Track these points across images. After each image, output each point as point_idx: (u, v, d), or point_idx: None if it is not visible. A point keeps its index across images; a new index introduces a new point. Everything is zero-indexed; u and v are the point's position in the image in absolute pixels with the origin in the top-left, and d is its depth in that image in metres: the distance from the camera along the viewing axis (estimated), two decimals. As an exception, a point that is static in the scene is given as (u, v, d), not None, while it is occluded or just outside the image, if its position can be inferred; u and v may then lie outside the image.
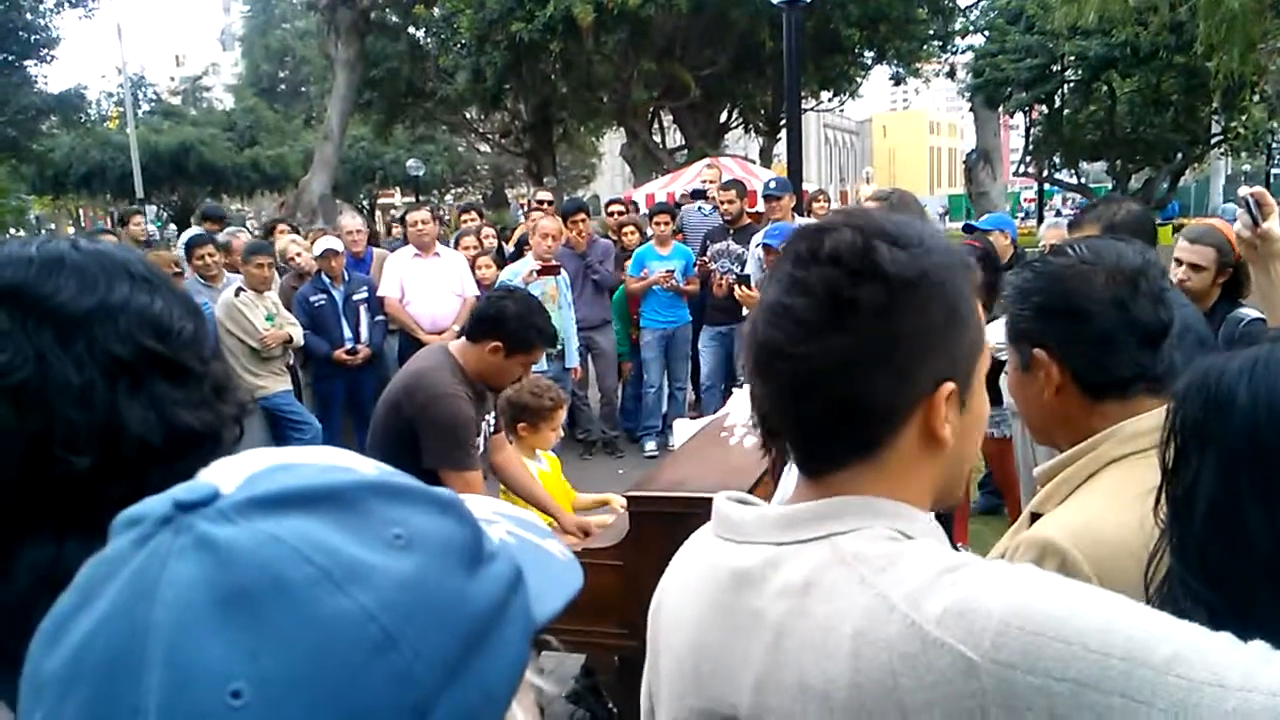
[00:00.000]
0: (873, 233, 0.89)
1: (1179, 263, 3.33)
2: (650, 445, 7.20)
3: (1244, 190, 2.39)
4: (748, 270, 6.53)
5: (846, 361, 0.87)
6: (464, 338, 3.34)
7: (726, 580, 0.93)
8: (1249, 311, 3.19)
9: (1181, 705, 0.70)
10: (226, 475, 0.47)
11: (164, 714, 0.39)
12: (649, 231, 7.56)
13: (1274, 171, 23.50)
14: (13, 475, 0.67)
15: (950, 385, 0.90)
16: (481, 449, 3.34)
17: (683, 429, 3.69)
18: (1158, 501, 1.00)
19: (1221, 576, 0.91)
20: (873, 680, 0.80)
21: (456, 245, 7.45)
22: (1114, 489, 1.30)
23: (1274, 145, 23.05)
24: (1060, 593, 0.78)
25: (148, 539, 0.43)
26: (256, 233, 10.39)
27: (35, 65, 25.42)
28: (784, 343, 0.88)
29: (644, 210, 9.32)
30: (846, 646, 0.82)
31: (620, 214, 8.45)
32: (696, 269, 7.21)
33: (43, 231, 35.55)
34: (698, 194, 8.71)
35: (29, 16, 24.25)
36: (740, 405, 3.35)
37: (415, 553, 0.45)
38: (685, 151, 20.58)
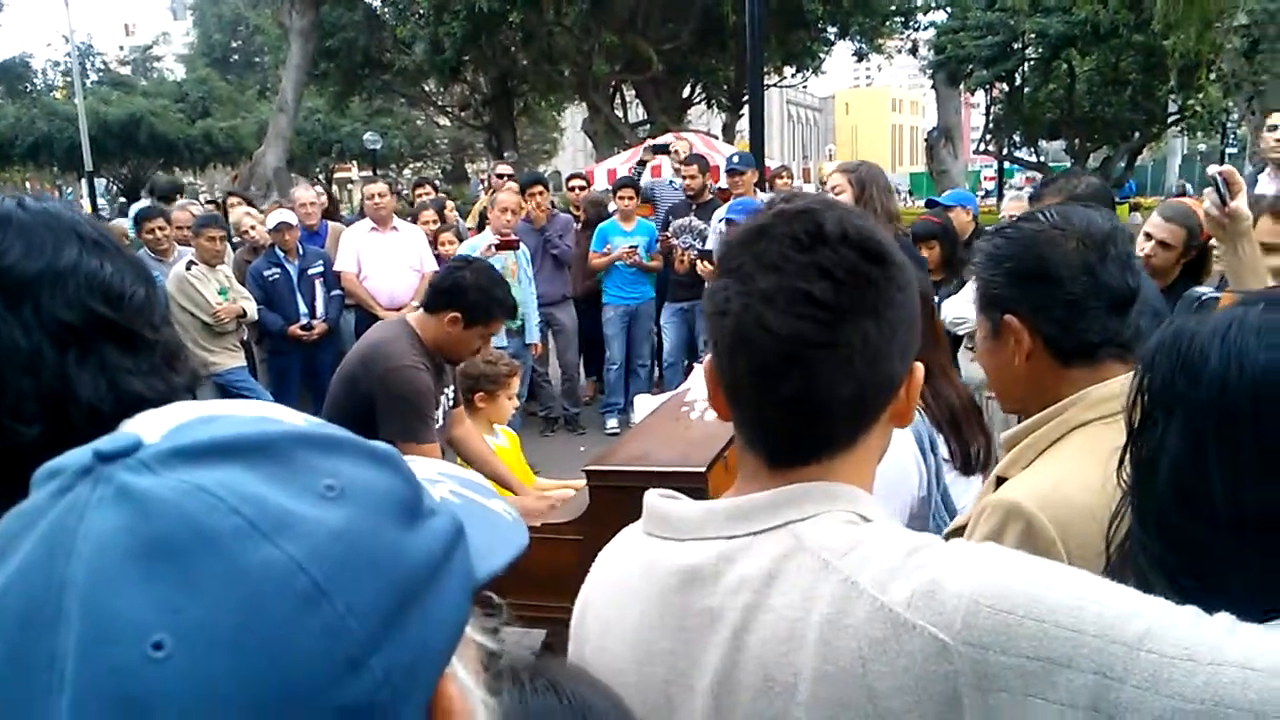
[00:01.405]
0: (853, 215, 0.87)
1: (1148, 237, 3.35)
2: (612, 423, 7.18)
3: (1213, 169, 2.40)
4: (709, 245, 6.51)
5: (872, 346, 0.84)
6: (422, 309, 3.28)
7: (672, 581, 0.89)
8: (1205, 290, 3.22)
9: (1153, 680, 0.69)
10: (150, 426, 0.45)
11: (82, 668, 0.38)
12: (611, 206, 7.49)
13: (1229, 151, 23.86)
14: None
15: (921, 365, 0.91)
16: (440, 423, 3.29)
17: (644, 404, 3.66)
18: (1121, 463, 0.99)
19: (1181, 539, 0.91)
20: (841, 668, 0.78)
21: (416, 220, 7.34)
22: (1079, 453, 1.30)
23: (1229, 125, 23.40)
24: (1028, 571, 0.77)
25: (66, 490, 0.42)
26: (209, 206, 10.19)
27: (-22, 32, 24.72)
28: (813, 332, 0.83)
29: (605, 186, 9.20)
30: (813, 635, 0.79)
31: (581, 189, 8.38)
32: (659, 245, 7.17)
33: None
34: (659, 149, 8.58)
35: (-29, -19, 23.58)
36: (702, 380, 3.32)
37: (347, 504, 0.44)
38: (648, 126, 20.47)
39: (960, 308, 3.60)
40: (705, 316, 0.91)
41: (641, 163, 8.41)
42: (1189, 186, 19.50)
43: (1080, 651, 0.70)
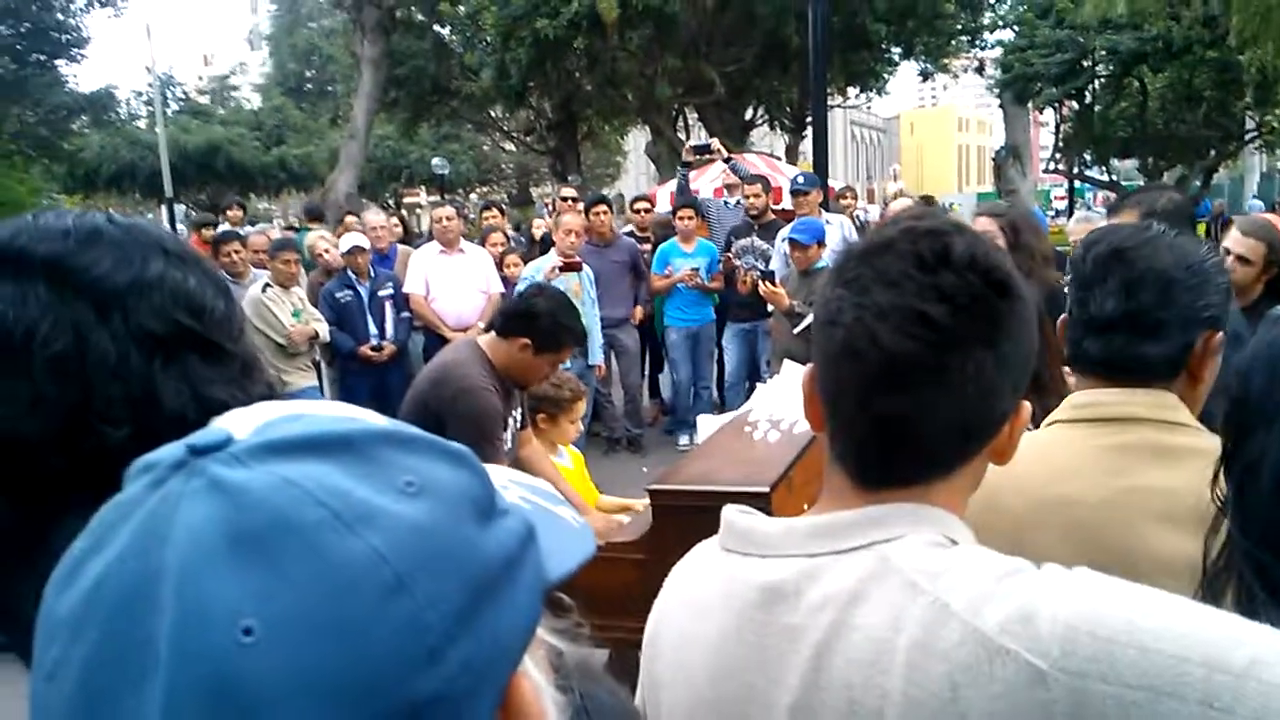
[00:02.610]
0: (983, 243, 0.86)
1: (1227, 253, 3.28)
2: (684, 440, 7.17)
3: None
4: (773, 266, 6.50)
5: (985, 376, 0.83)
6: (493, 333, 3.33)
7: (752, 597, 0.88)
8: None
9: (1263, 711, 0.66)
10: (240, 423, 0.47)
11: (175, 652, 0.39)
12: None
13: (1309, 167, 23.15)
14: (52, 446, 0.67)
15: (1027, 405, 0.89)
16: (509, 445, 3.33)
17: (707, 424, 3.66)
18: (1215, 479, 0.99)
19: None
20: (931, 693, 0.75)
21: (484, 242, 7.46)
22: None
23: (1310, 141, 22.70)
24: (1127, 597, 0.75)
25: (161, 483, 0.44)
26: (287, 231, 10.55)
27: (66, 65, 25.77)
28: (924, 354, 0.81)
29: (669, 208, 9.21)
30: (901, 658, 0.77)
31: (647, 211, 8.42)
32: (721, 265, 7.17)
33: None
34: (701, 149, 8.51)
35: (60, 16, 24.56)
36: (765, 400, 3.32)
37: (426, 499, 0.45)
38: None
39: None
40: (814, 323, 0.90)
41: (686, 164, 8.33)
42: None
43: (1184, 680, 0.68)
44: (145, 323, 0.72)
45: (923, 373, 0.82)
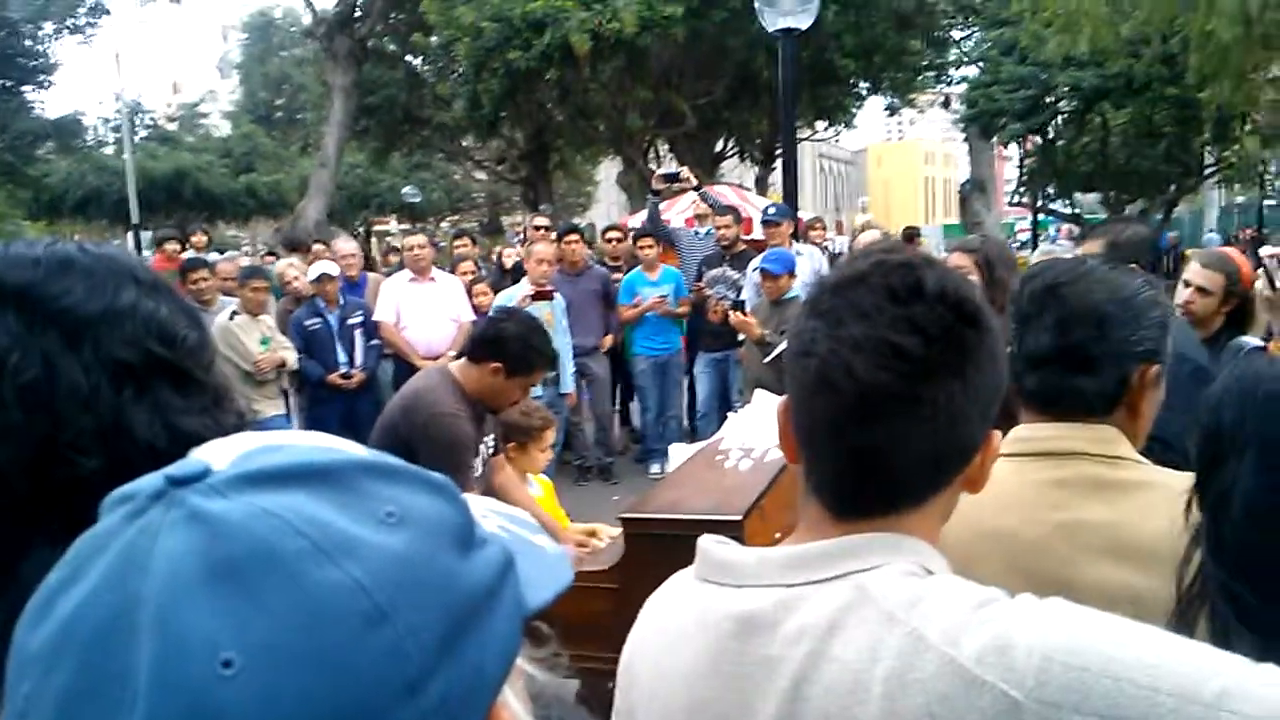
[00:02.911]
0: (954, 275, 0.88)
1: (1187, 284, 3.34)
2: (655, 468, 7.17)
3: (1266, 250, 2.43)
4: (743, 296, 6.53)
5: (955, 407, 0.84)
6: (464, 359, 3.32)
7: (728, 627, 0.87)
8: (1250, 340, 3.19)
9: None
10: (219, 454, 0.47)
11: (154, 684, 0.39)
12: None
13: (1268, 203, 23.62)
14: (21, 477, 0.66)
15: (998, 434, 0.91)
16: (479, 471, 3.31)
17: (679, 453, 3.66)
18: (1188, 507, 1.01)
19: (1262, 573, 0.92)
20: None
21: (454, 270, 7.45)
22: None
23: (1267, 176, 23.19)
24: (1101, 627, 0.75)
25: (139, 514, 0.43)
26: (268, 258, 10.50)
27: (33, 91, 25.55)
28: (897, 385, 0.82)
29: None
30: (878, 690, 0.77)
31: (618, 240, 8.45)
32: (693, 294, 7.20)
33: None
34: (670, 177, 8.53)
35: (28, 43, 24.38)
36: (736, 429, 3.33)
37: (407, 529, 0.45)
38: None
39: None
40: (786, 355, 0.91)
41: (655, 191, 8.37)
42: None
43: (1156, 711, 0.69)
44: (116, 352, 0.71)
45: (896, 404, 0.83)
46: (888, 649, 0.78)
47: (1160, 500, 1.19)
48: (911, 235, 12.24)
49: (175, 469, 0.45)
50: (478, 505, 0.58)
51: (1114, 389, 1.34)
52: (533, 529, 0.59)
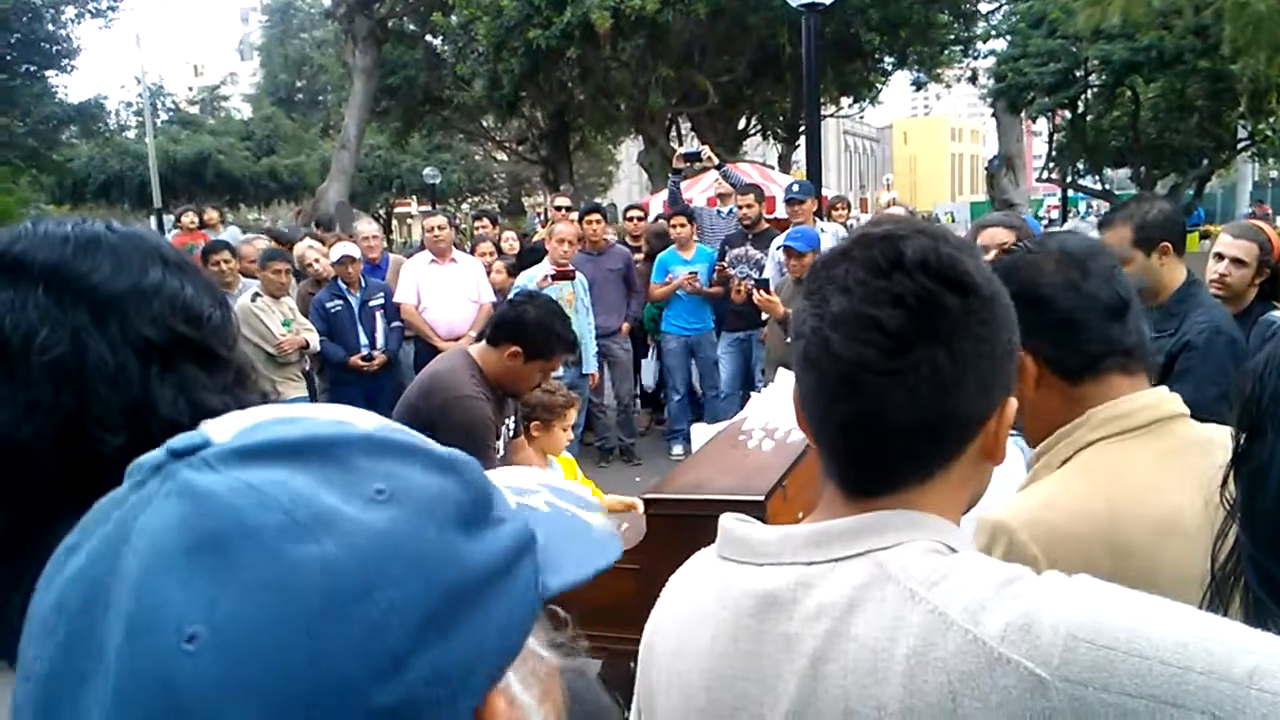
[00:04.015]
0: (948, 242, 0.86)
1: (1220, 257, 3.27)
2: (677, 449, 7.15)
3: None
4: (766, 274, 6.47)
5: (941, 376, 0.82)
6: (484, 341, 3.31)
7: (748, 605, 0.87)
8: None
9: None
10: (224, 426, 0.47)
11: (121, 656, 0.40)
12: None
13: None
14: (48, 452, 0.68)
15: (1013, 401, 0.89)
16: (501, 453, 3.29)
17: (701, 433, 3.63)
18: (1224, 482, 0.97)
19: None
20: (930, 703, 0.74)
21: (473, 251, 7.43)
22: (1076, 473, 1.33)
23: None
24: (1128, 604, 0.74)
25: (141, 485, 0.44)
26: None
27: (55, 75, 25.72)
28: (875, 358, 0.82)
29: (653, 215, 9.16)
30: (899, 668, 0.76)
31: (640, 220, 8.39)
32: (715, 273, 7.15)
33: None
34: (691, 156, 8.47)
35: (50, 27, 24.52)
36: (759, 409, 3.28)
37: (396, 507, 0.45)
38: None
39: None
40: (790, 339, 0.92)
41: (677, 171, 8.30)
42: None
43: (1186, 689, 0.67)
44: (143, 330, 0.73)
45: (877, 378, 0.82)
46: (909, 627, 0.77)
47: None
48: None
49: (177, 441, 0.45)
50: (527, 478, 0.58)
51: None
52: (584, 504, 0.58)
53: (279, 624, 0.40)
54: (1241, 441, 0.96)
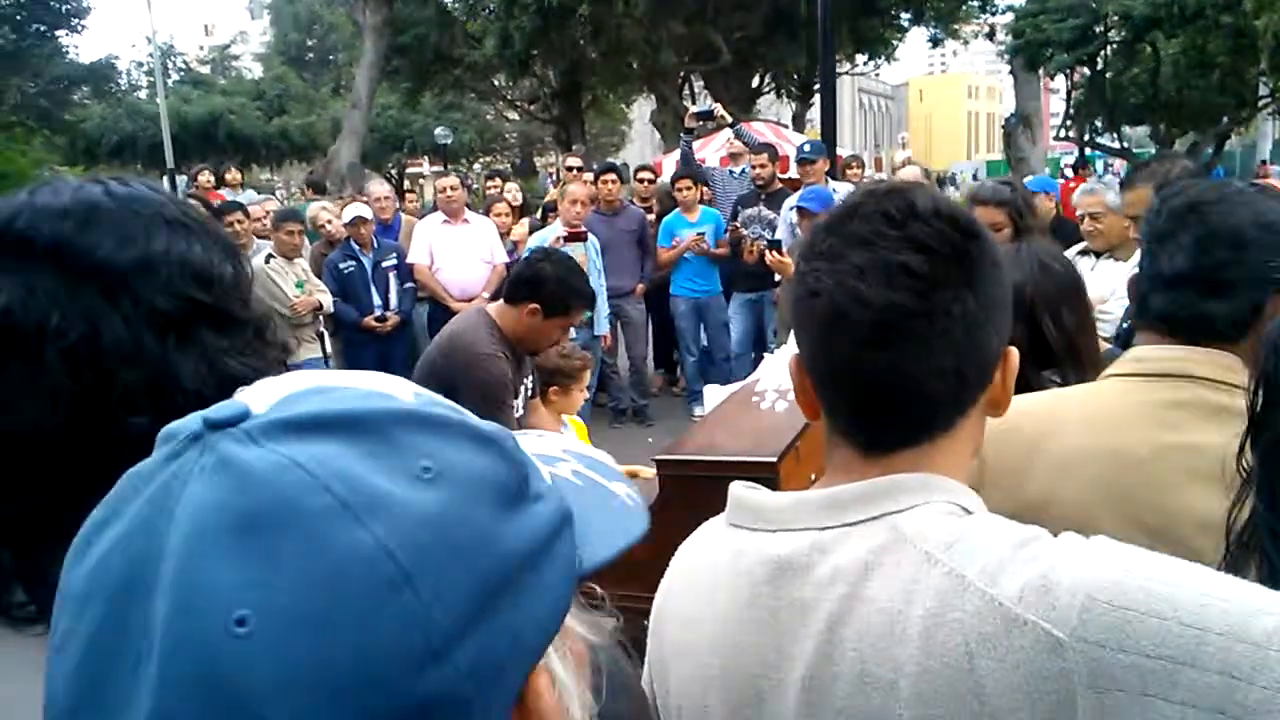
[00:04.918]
0: (942, 195, 0.88)
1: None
2: (698, 410, 7.15)
3: None
4: (778, 235, 6.44)
5: (970, 316, 0.83)
6: (502, 300, 3.31)
7: (761, 571, 0.87)
8: None
9: None
10: (262, 396, 0.46)
11: (167, 638, 0.39)
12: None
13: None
14: (72, 441, 0.66)
15: (1014, 350, 0.90)
16: (520, 412, 3.31)
17: (713, 395, 3.63)
18: (1241, 450, 0.97)
19: None
20: (947, 664, 0.75)
21: (488, 212, 7.41)
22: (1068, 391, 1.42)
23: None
24: (1146, 565, 0.73)
25: (176, 456, 0.43)
26: (287, 201, 10.51)
27: (66, 35, 25.65)
28: (909, 301, 0.82)
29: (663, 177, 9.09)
30: (916, 629, 0.76)
31: (650, 182, 8.34)
32: (728, 234, 7.11)
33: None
34: (704, 115, 8.37)
35: (60, -14, 24.39)
36: (772, 370, 3.29)
37: (442, 486, 0.44)
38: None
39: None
40: (793, 304, 0.90)
41: (689, 130, 8.18)
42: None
43: (1204, 650, 0.67)
44: (156, 301, 0.70)
45: (913, 321, 0.82)
46: (925, 590, 0.77)
47: None
48: (941, 181, 11.98)
49: (214, 411, 0.44)
50: (554, 445, 0.57)
51: (1245, 316, 1.29)
52: (610, 474, 0.57)
53: (325, 612, 0.40)
54: (1257, 411, 0.96)
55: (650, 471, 3.37)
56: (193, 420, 0.44)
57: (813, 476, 2.39)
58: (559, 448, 0.57)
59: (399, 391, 0.48)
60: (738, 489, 0.94)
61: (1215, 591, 0.70)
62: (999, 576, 0.75)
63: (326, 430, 0.43)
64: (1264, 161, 25.99)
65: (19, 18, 23.63)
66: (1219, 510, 1.17)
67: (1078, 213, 4.28)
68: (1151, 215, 1.39)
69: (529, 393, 3.42)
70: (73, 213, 0.71)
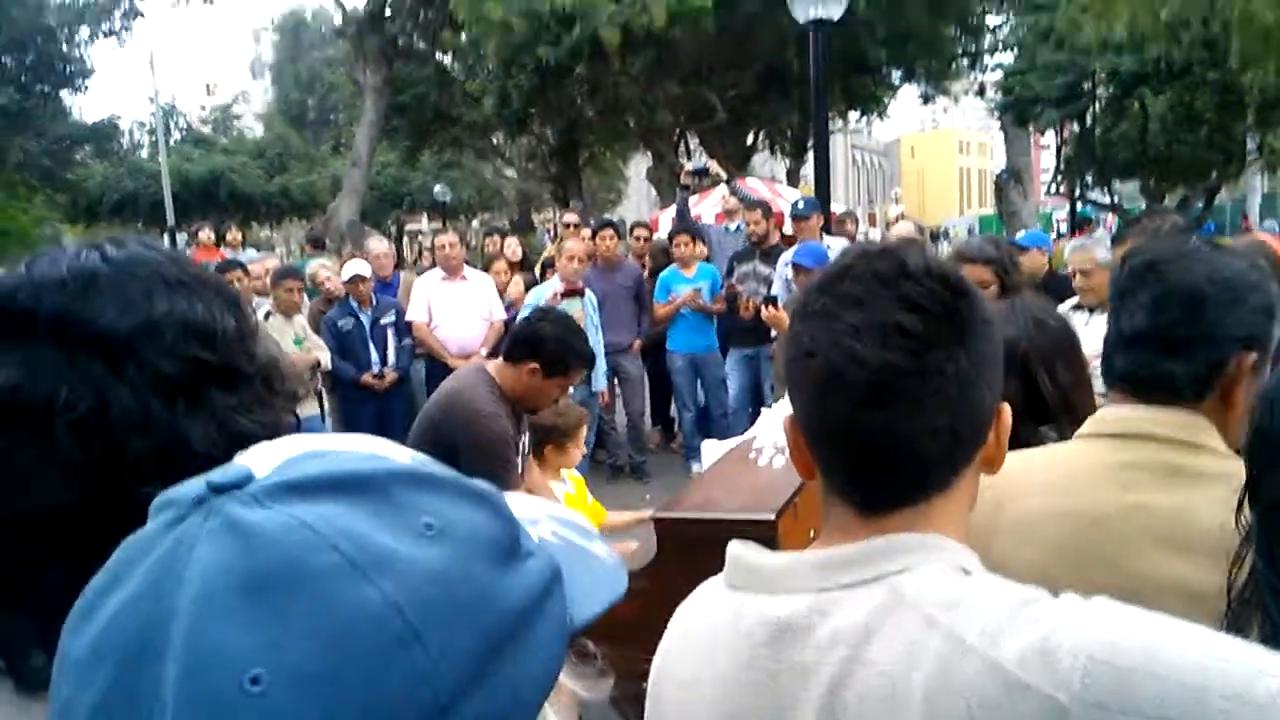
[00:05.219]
0: (932, 254, 0.90)
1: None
2: (696, 466, 7.12)
3: None
4: (774, 291, 6.48)
5: (964, 375, 0.83)
6: (501, 358, 3.32)
7: (761, 633, 0.86)
8: None
9: None
10: (261, 459, 0.46)
11: (180, 699, 0.39)
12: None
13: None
14: (86, 513, 0.65)
15: (1006, 406, 0.90)
16: (521, 469, 3.31)
17: (711, 450, 3.63)
18: (1240, 507, 0.96)
19: None
20: None
21: (487, 269, 7.45)
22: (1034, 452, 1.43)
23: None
24: (1147, 626, 0.73)
25: (180, 520, 0.43)
26: (287, 259, 10.59)
27: (70, 95, 25.96)
28: (904, 361, 0.82)
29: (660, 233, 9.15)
30: (918, 695, 0.76)
31: (646, 239, 8.40)
32: (724, 290, 7.15)
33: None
34: (699, 172, 8.44)
35: (64, 48, 24.74)
36: (769, 426, 3.29)
37: (445, 543, 0.44)
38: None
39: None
40: (787, 364, 0.90)
41: (685, 187, 8.28)
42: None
43: (1206, 711, 0.67)
44: (160, 366, 0.70)
45: (907, 380, 0.82)
46: (926, 653, 0.76)
47: (1233, 494, 1.14)
48: (935, 236, 12.10)
49: (217, 475, 0.44)
50: (533, 508, 0.57)
51: (1205, 374, 1.29)
52: (588, 535, 0.58)
53: (337, 669, 0.40)
54: (1257, 469, 0.96)
55: (649, 513, 3.36)
56: (195, 485, 0.44)
57: (811, 533, 2.39)
58: (539, 509, 0.58)
59: (393, 453, 0.49)
60: (736, 549, 0.93)
61: (1217, 652, 0.70)
62: (1000, 639, 0.74)
63: (330, 491, 0.44)
64: (1244, 215, 26.24)
65: (24, 78, 23.96)
66: (1180, 576, 1.16)
67: (1069, 269, 4.32)
68: (1114, 274, 1.41)
69: (524, 450, 3.42)
70: (71, 283, 0.71)
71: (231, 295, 0.79)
